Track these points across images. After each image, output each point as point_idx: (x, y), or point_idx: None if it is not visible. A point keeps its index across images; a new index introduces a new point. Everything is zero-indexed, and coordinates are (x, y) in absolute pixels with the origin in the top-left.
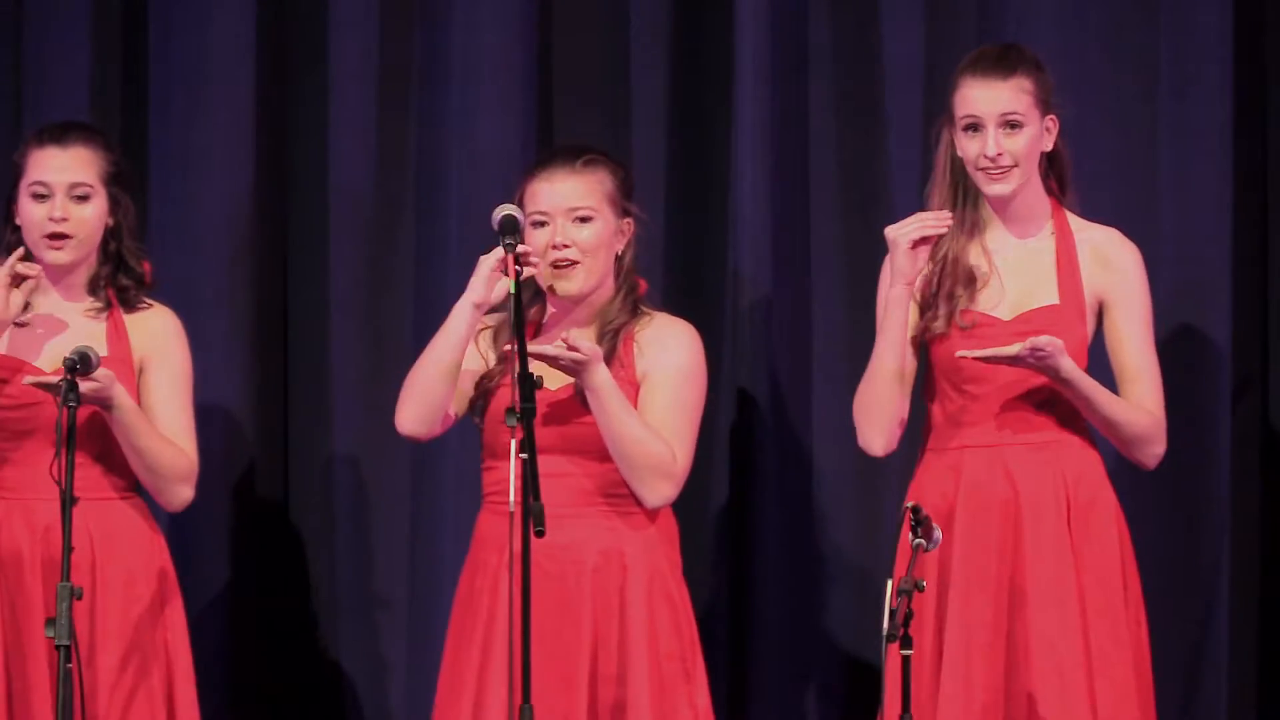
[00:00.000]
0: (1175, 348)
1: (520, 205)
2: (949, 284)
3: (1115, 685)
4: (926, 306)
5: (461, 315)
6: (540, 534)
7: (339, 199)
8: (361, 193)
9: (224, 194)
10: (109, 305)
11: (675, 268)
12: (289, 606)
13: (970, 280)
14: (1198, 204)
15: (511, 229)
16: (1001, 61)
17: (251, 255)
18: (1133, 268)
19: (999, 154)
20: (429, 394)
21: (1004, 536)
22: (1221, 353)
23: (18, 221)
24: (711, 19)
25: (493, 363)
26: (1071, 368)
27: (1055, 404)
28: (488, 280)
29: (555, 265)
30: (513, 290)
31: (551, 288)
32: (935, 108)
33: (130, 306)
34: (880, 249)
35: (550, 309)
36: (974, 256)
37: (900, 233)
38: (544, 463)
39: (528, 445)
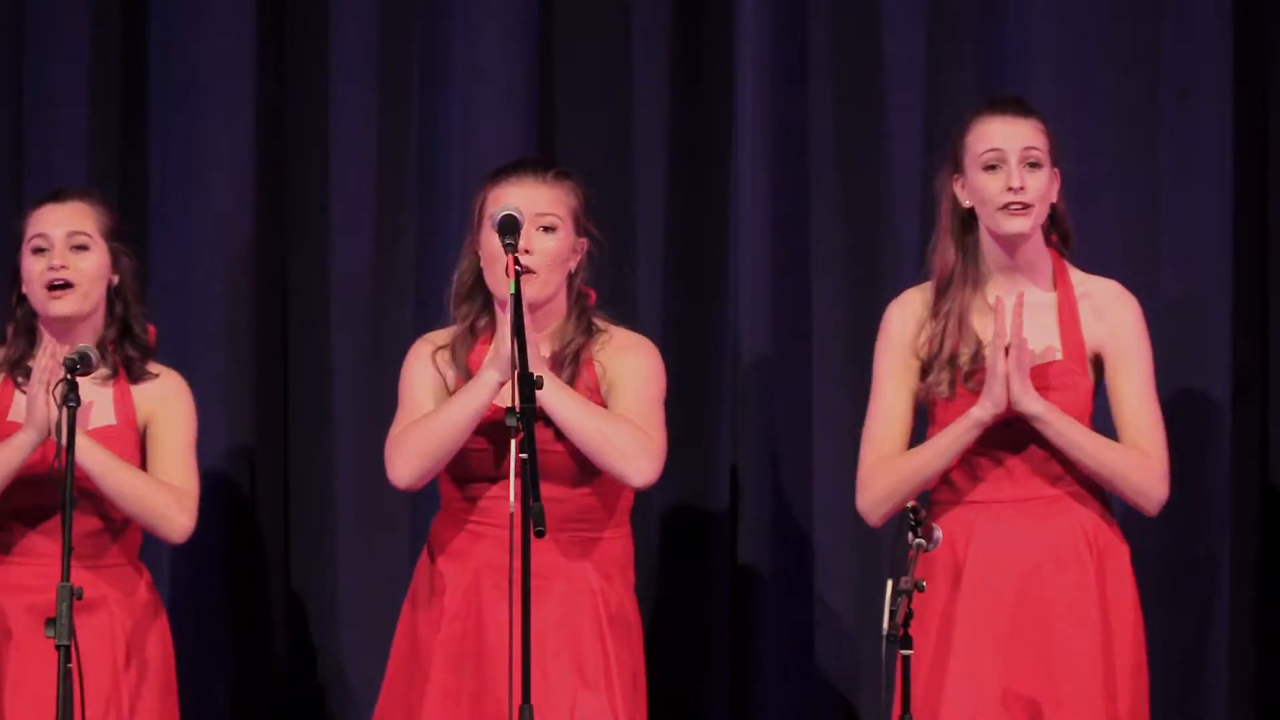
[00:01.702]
0: (1176, 354)
1: (480, 210)
2: (952, 344)
3: None
4: (929, 368)
5: (488, 388)
6: (540, 534)
7: (339, 201)
8: (362, 194)
9: (224, 196)
10: (115, 373)
11: (675, 271)
12: (288, 613)
13: (975, 340)
14: (1198, 212)
15: (511, 229)
16: (1018, 103)
17: (251, 257)
18: (1132, 321)
19: (1022, 186)
20: (441, 455)
21: (1021, 588)
22: (1221, 359)
23: (24, 290)
24: (712, 22)
25: (451, 381)
26: (1044, 408)
27: (1062, 460)
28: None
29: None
30: (512, 291)
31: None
32: (935, 107)
33: (136, 379)
34: (881, 253)
35: (501, 317)
36: (976, 314)
37: (997, 364)
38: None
39: (528, 445)
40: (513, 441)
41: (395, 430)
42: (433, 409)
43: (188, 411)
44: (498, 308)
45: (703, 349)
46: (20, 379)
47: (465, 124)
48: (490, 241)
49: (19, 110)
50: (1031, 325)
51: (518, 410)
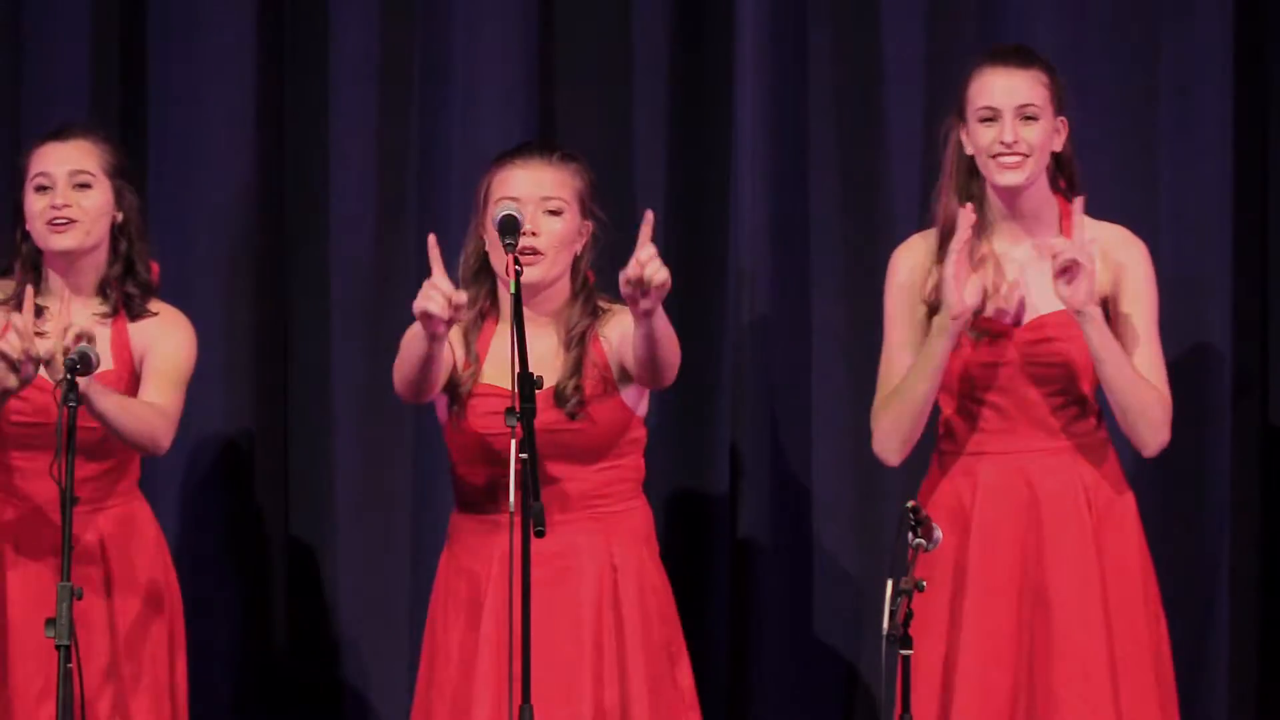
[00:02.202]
0: (1176, 347)
1: (485, 194)
2: None
3: (1136, 686)
4: (933, 312)
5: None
6: (540, 534)
7: (340, 197)
8: (362, 191)
9: (224, 193)
10: (116, 311)
11: (675, 266)
12: (288, 609)
13: (980, 289)
14: (1198, 204)
15: (512, 229)
16: (1019, 54)
17: (252, 255)
18: (1140, 264)
19: (1015, 140)
20: (410, 382)
21: (1025, 540)
22: (1222, 352)
23: (28, 227)
24: (712, 18)
25: (460, 362)
26: (1100, 319)
27: (1072, 410)
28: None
29: (520, 253)
30: (513, 290)
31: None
32: (936, 107)
33: (135, 315)
34: (879, 246)
35: (506, 305)
36: (982, 262)
37: (947, 268)
38: None
39: (528, 446)
40: (512, 442)
41: None
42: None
43: (186, 344)
44: (502, 290)
45: (701, 347)
46: None
47: (465, 121)
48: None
49: (16, 110)
50: (1037, 272)
51: (517, 410)
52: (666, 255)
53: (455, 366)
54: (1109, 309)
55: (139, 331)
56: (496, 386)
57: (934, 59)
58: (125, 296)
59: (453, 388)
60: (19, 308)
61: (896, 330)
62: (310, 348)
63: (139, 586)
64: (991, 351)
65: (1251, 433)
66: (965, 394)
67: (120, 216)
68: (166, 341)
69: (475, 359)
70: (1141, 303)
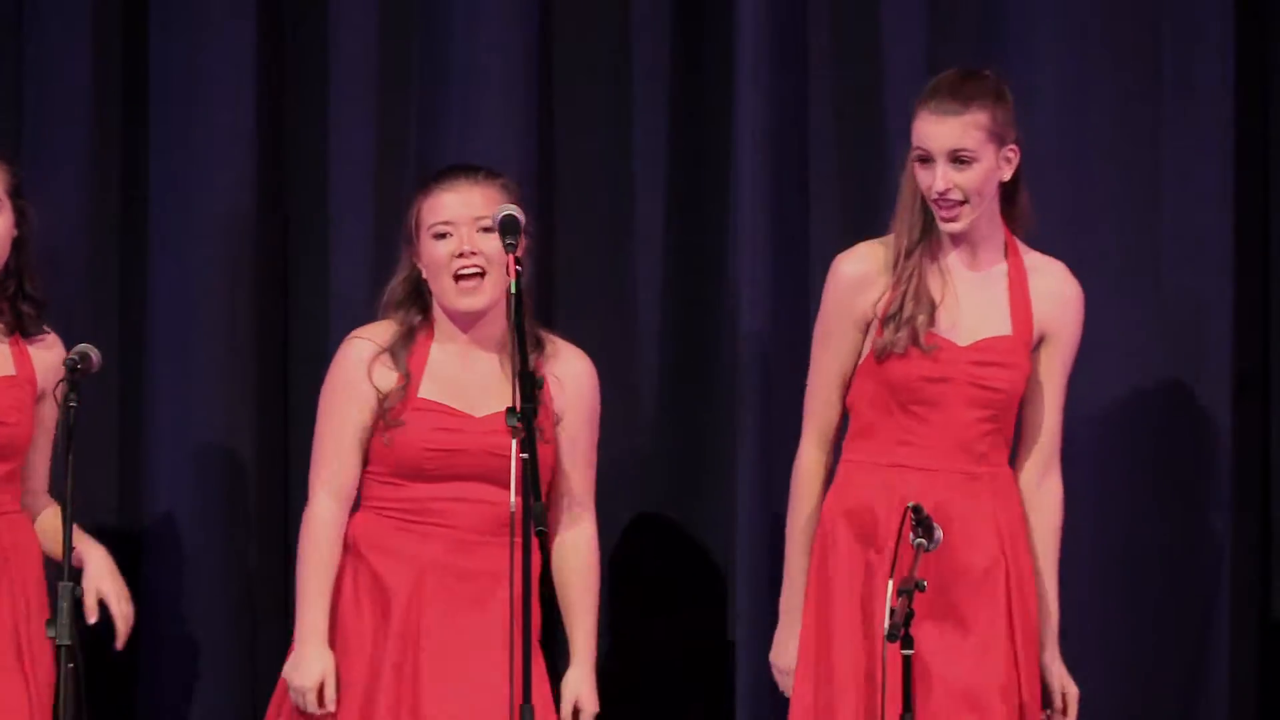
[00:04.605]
0: (1176, 356)
1: (416, 222)
2: (911, 307)
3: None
4: (886, 324)
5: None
6: (542, 534)
7: (340, 199)
8: (362, 194)
9: (224, 196)
10: (11, 331)
11: (674, 271)
12: (285, 615)
13: (930, 303)
14: (1199, 204)
15: (512, 229)
16: (956, 95)
17: (252, 258)
18: (1078, 305)
19: (946, 189)
20: None
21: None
22: (1223, 356)
23: None
24: (712, 20)
25: (390, 383)
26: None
27: (995, 440)
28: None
29: (459, 277)
30: (513, 290)
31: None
32: None
33: (28, 335)
34: None
35: (442, 323)
36: (933, 279)
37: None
38: (466, 489)
39: (528, 445)
40: (514, 441)
41: (314, 478)
42: (306, 568)
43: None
44: (439, 315)
45: (701, 348)
46: None
47: (464, 124)
48: (432, 250)
49: (18, 111)
50: (982, 296)
51: (518, 410)
52: (665, 257)
53: (378, 396)
54: (1041, 341)
55: (38, 356)
56: (435, 402)
57: (933, 57)
58: (17, 315)
59: (383, 409)
60: None
61: (826, 350)
62: (310, 351)
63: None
64: (936, 366)
65: (1252, 438)
66: (898, 404)
67: (18, 234)
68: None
69: (408, 376)
70: (1071, 345)
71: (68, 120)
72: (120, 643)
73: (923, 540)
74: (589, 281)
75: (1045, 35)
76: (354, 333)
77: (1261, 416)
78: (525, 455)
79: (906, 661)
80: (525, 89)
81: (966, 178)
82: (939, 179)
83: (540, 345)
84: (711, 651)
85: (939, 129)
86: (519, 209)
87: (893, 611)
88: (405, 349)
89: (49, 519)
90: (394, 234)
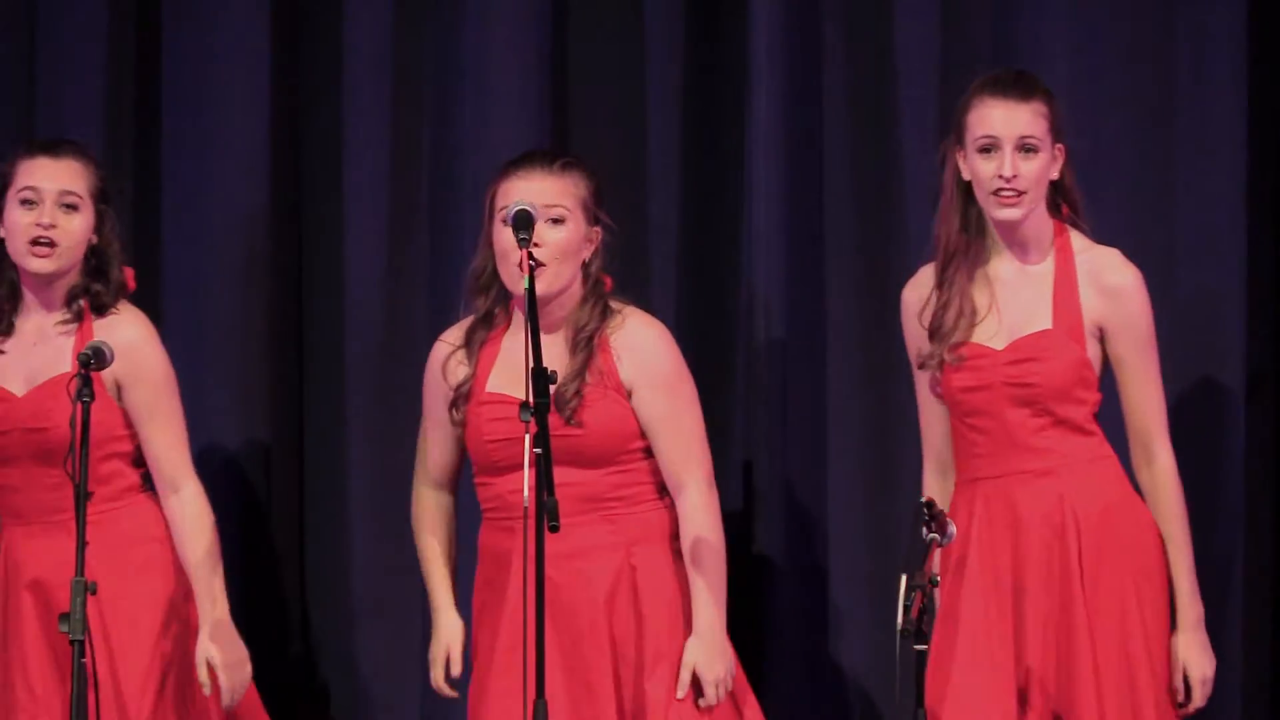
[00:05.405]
0: (1189, 353)
1: (491, 204)
2: (950, 318)
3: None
4: (931, 336)
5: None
6: (555, 529)
7: (354, 195)
8: (376, 191)
9: (238, 194)
10: (80, 317)
11: (689, 267)
12: (303, 611)
13: (972, 313)
14: (1212, 208)
15: (525, 224)
16: (1019, 84)
17: (266, 255)
18: (1133, 291)
19: (1014, 175)
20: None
21: (1011, 564)
22: (1235, 358)
23: (2, 234)
24: (726, 16)
25: (461, 382)
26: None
27: (1057, 432)
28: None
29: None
30: (526, 286)
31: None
32: (948, 107)
33: (100, 311)
34: (892, 249)
35: (516, 313)
36: (978, 287)
37: None
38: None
39: (541, 440)
40: (526, 436)
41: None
42: (419, 556)
43: (157, 362)
44: (514, 304)
45: (716, 344)
46: None
47: (478, 121)
48: (502, 236)
49: (32, 109)
50: (1028, 294)
51: (531, 405)
52: (681, 253)
53: (449, 394)
54: (1102, 334)
55: (102, 334)
56: (502, 395)
57: (947, 56)
58: (93, 296)
59: (456, 401)
60: (4, 331)
61: (916, 376)
62: (325, 346)
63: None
64: (973, 375)
65: (1265, 437)
66: (959, 420)
67: (96, 240)
68: (141, 364)
69: (474, 374)
70: (1135, 330)
71: (82, 118)
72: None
73: (935, 535)
74: (606, 269)
75: (1058, 32)
76: (440, 336)
77: (1275, 412)
78: (539, 450)
79: (920, 656)
80: (537, 87)
81: (1031, 166)
82: (1007, 164)
83: (607, 316)
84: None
85: (1009, 114)
86: (533, 206)
87: (907, 608)
88: (477, 345)
89: (177, 523)
90: (408, 230)
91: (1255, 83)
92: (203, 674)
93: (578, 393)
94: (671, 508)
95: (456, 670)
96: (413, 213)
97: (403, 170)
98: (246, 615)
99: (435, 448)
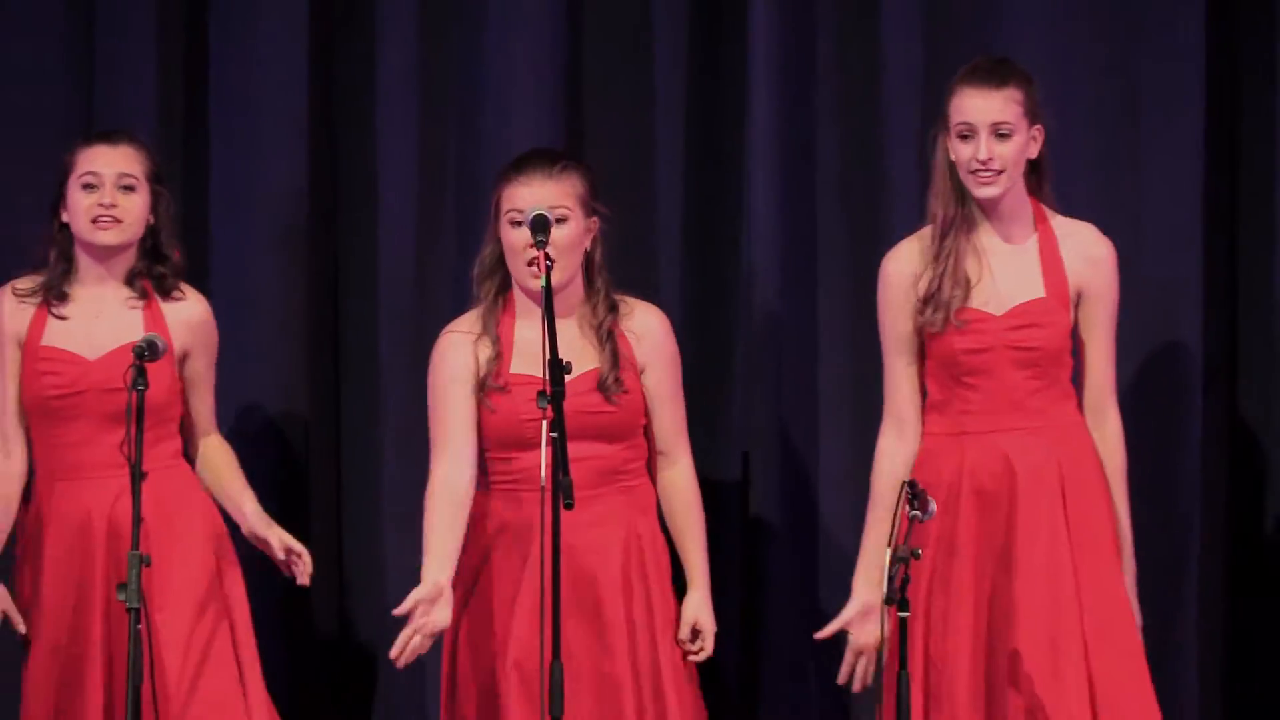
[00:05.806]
0: (1149, 344)
1: (497, 205)
2: (949, 286)
3: (1117, 650)
4: (925, 304)
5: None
6: (570, 506)
7: (385, 192)
8: (405, 186)
9: (280, 189)
10: (145, 295)
11: (693, 260)
12: (340, 594)
13: (966, 281)
14: (1173, 207)
15: (542, 227)
16: (995, 73)
17: (305, 247)
18: (1111, 262)
19: (989, 159)
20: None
21: (1002, 514)
22: (1193, 349)
23: (65, 218)
24: (728, 29)
25: (485, 363)
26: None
27: (1049, 393)
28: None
29: (531, 263)
30: (543, 284)
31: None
32: (931, 114)
33: (166, 294)
34: (880, 246)
35: (522, 300)
36: (969, 257)
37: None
38: (570, 448)
39: (558, 425)
40: (544, 422)
41: (431, 458)
42: (424, 527)
43: (216, 341)
44: (517, 292)
45: (718, 334)
46: (54, 302)
47: (499, 124)
48: (508, 234)
49: (89, 107)
50: (1016, 265)
51: (549, 394)
52: (685, 248)
53: (477, 373)
54: (1079, 299)
55: (173, 314)
56: (530, 375)
57: (931, 62)
58: (156, 279)
59: (483, 382)
60: (58, 298)
61: (890, 343)
62: (359, 337)
63: (187, 552)
64: (976, 338)
65: (1221, 427)
66: (951, 378)
67: (153, 219)
68: (208, 341)
69: (496, 343)
70: (1107, 299)
71: (136, 120)
72: (303, 578)
73: (918, 513)
74: (614, 275)
75: (1035, 47)
76: (446, 328)
77: (1229, 411)
78: (555, 435)
79: (902, 624)
80: (554, 97)
81: (1005, 149)
82: (982, 148)
83: (615, 308)
84: (724, 628)
85: (983, 103)
86: (549, 210)
87: (891, 578)
88: (494, 319)
89: (212, 453)
90: (435, 225)
91: (1212, 93)
92: (280, 553)
93: (618, 380)
94: (649, 485)
95: (404, 613)
96: (439, 208)
97: (430, 168)
98: (283, 613)
99: (457, 425)
